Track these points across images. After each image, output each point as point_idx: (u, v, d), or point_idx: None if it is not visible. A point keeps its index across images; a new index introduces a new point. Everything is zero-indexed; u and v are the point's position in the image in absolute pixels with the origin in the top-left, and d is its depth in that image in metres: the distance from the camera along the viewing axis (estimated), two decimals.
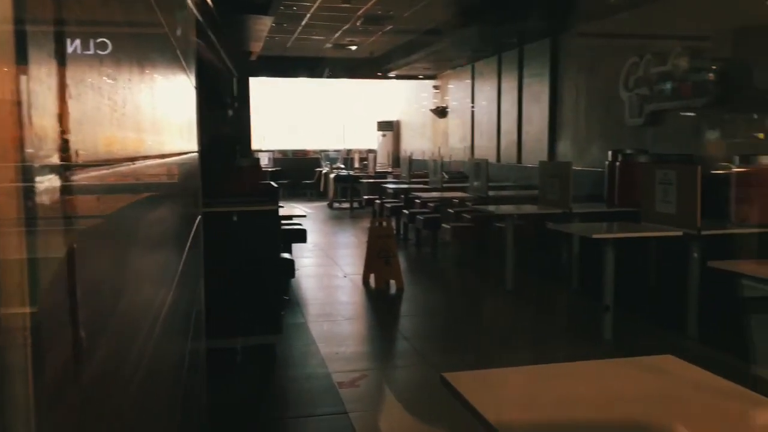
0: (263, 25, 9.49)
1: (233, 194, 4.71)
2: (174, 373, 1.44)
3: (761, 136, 7.09)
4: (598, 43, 8.58)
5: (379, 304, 6.23)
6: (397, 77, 14.71)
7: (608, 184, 6.84)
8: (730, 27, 7.02)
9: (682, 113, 7.23)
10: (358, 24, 10.25)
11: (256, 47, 11.21)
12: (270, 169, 15.82)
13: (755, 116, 7.15)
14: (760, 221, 4.99)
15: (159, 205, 1.30)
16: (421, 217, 8.49)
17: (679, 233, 4.78)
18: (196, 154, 2.50)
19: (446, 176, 10.26)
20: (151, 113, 1.22)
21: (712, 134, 6.89)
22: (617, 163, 6.78)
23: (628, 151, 6.92)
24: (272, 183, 5.28)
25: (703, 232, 4.70)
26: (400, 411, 3.76)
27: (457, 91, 13.18)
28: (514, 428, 1.42)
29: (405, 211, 9.25)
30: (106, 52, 0.70)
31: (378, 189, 11.61)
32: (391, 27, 10.44)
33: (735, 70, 6.97)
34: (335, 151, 18.06)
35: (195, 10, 2.67)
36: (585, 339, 4.89)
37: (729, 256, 4.55)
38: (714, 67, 7.23)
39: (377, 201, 10.84)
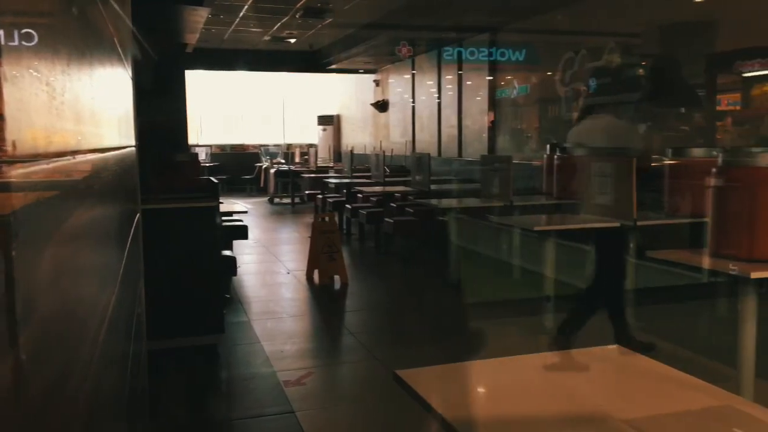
0: (199, 16, 9.24)
1: (171, 190, 4.57)
2: (119, 378, 1.36)
3: (688, 129, 7.39)
4: (536, 38, 8.75)
5: (324, 300, 6.18)
6: (337, 71, 14.62)
7: (546, 177, 6.98)
8: (659, 23, 7.29)
9: (616, 107, 7.44)
10: (296, 17, 10.12)
11: (192, 39, 10.91)
12: (208, 164, 15.48)
13: (682, 110, 7.45)
14: (691, 212, 5.18)
15: (99, 201, 1.22)
16: (364, 212, 8.46)
17: (617, 224, 4.92)
18: (133, 148, 2.39)
19: (388, 171, 10.27)
20: (89, 106, 1.15)
21: (644, 128, 7.12)
22: (555, 157, 6.93)
23: (565, 145, 7.08)
24: (212, 178, 5.15)
25: (639, 223, 4.84)
26: (348, 408, 3.73)
27: (397, 86, 13.21)
28: (470, 424, 1.41)
29: (348, 206, 9.21)
30: (33, 43, 0.64)
31: (319, 184, 11.52)
32: (330, 20, 10.35)
33: (664, 65, 7.23)
34: (275, 145, 17.82)
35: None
36: (528, 330, 4.97)
37: (664, 246, 4.70)
38: (644, 63, 7.50)
39: (319, 196, 10.75)
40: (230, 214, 7.00)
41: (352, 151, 12.32)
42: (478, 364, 1.85)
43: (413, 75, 12.27)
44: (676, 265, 4.55)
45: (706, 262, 3.47)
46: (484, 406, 1.54)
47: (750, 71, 6.15)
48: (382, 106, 13.90)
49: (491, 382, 1.69)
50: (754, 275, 2.87)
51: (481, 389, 1.63)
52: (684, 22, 7.17)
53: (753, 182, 3.27)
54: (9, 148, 0.53)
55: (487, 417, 1.48)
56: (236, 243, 6.95)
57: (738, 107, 6.86)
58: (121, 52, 1.96)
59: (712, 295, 5.11)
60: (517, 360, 1.83)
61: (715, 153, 5.12)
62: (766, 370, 3.26)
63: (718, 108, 6.78)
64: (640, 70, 7.49)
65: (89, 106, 1.14)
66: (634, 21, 7.50)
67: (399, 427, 3.31)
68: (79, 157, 0.92)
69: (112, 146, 1.55)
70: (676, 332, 4.79)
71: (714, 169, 3.38)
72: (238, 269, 6.00)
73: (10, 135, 0.54)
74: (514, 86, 9.14)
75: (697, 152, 5.40)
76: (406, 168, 10.51)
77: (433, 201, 7.00)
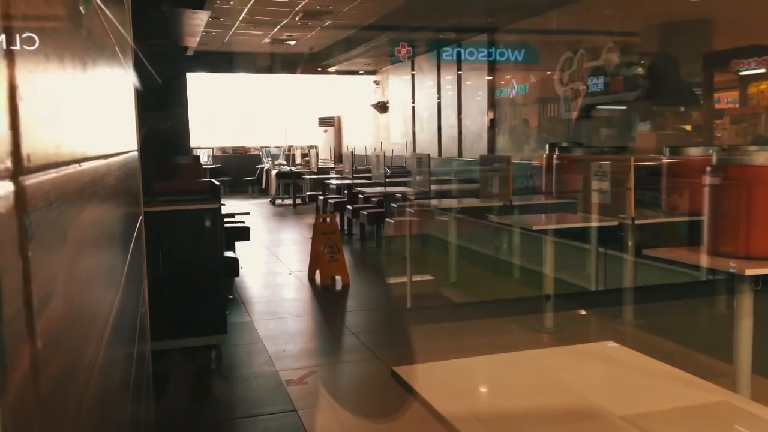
0: (199, 19, 9.29)
1: (173, 193, 4.62)
2: (124, 379, 1.41)
3: (689, 128, 7.43)
4: (534, 38, 8.79)
5: (326, 300, 6.22)
6: (338, 72, 14.67)
7: (546, 176, 7.02)
8: (657, 23, 7.32)
9: (615, 107, 7.49)
10: (296, 19, 10.16)
11: (192, 42, 10.96)
12: (210, 167, 15.53)
13: (682, 109, 7.48)
14: (689, 210, 5.22)
15: (103, 206, 1.27)
16: (365, 212, 8.51)
17: (615, 222, 4.96)
18: (135, 152, 2.44)
19: (389, 171, 10.31)
20: (95, 112, 1.19)
21: (643, 127, 7.16)
22: (554, 156, 6.96)
23: (565, 144, 7.12)
24: (214, 181, 5.19)
25: (637, 221, 4.88)
26: (350, 407, 3.77)
27: (397, 87, 13.25)
28: (468, 419, 1.45)
29: (349, 207, 9.25)
30: (35, 47, 0.67)
31: (321, 185, 11.57)
32: (330, 22, 10.40)
33: (663, 64, 7.27)
34: (276, 147, 17.87)
35: (128, 4, 2.60)
36: (528, 328, 5.01)
37: (661, 243, 4.74)
38: (642, 62, 7.54)
39: (320, 197, 10.80)
40: (232, 215, 7.05)
41: (353, 152, 12.37)
42: (475, 360, 1.89)
43: (413, 76, 12.31)
44: (674, 262, 4.60)
45: (703, 259, 3.49)
46: (481, 402, 1.57)
47: (746, 70, 6.18)
48: (382, 107, 13.95)
49: (488, 378, 1.73)
50: (749, 272, 2.91)
51: (477, 385, 1.67)
52: (681, 21, 7.20)
53: (748, 180, 3.30)
54: (24, 159, 0.57)
55: (484, 413, 1.52)
56: (239, 244, 6.99)
57: (735, 105, 6.90)
58: (121, 55, 2.00)
59: (709, 292, 5.15)
60: (513, 356, 1.87)
61: (711, 151, 5.16)
62: (762, 366, 3.30)
63: (716, 106, 6.81)
64: (639, 69, 7.52)
65: (93, 113, 1.18)
66: (632, 20, 7.53)
67: (401, 426, 3.35)
68: (85, 165, 0.96)
69: (116, 152, 1.60)
70: (674, 329, 4.83)
71: (709, 168, 3.42)
72: (240, 270, 6.05)
73: (24, 147, 0.58)
74: (513, 86, 9.18)
75: (694, 151, 5.43)
76: (407, 168, 10.55)
77: (434, 201, 7.04)
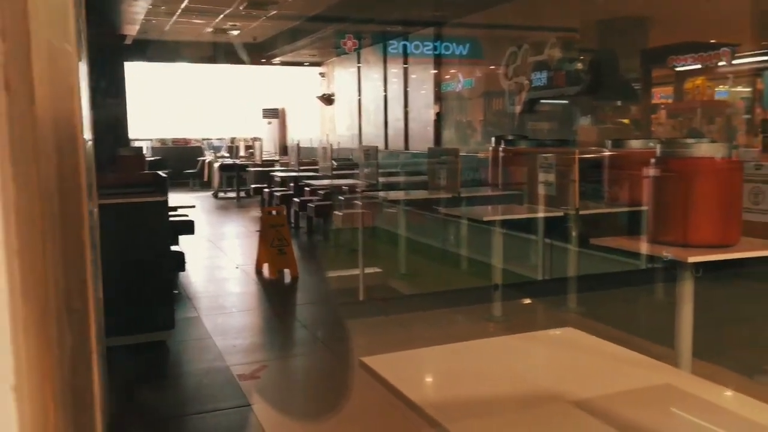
0: (138, 7, 9.01)
1: (115, 185, 4.48)
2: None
3: (627, 122, 7.69)
4: (480, 33, 8.90)
5: (275, 293, 6.16)
6: (282, 64, 14.50)
7: (492, 169, 7.13)
8: (596, 19, 7.53)
9: (558, 101, 7.67)
10: (240, 8, 9.98)
11: (131, 30, 10.63)
12: (149, 159, 15.11)
13: (621, 103, 7.73)
14: (630, 201, 5.40)
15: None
16: (312, 205, 8.46)
17: (561, 213, 5.09)
18: (90, 142, 2.34)
19: (335, 163, 10.26)
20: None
21: (585, 121, 7.36)
22: (500, 149, 7.08)
23: (510, 137, 7.25)
24: (159, 173, 5.06)
25: (581, 212, 5.02)
26: (304, 399, 3.75)
27: (343, 79, 13.20)
28: (440, 407, 1.46)
29: (296, 199, 9.17)
30: None
31: (266, 177, 11.42)
32: (275, 12, 10.26)
33: (603, 60, 7.48)
34: (219, 139, 17.54)
35: None
36: (478, 317, 5.09)
37: (604, 233, 4.89)
38: (582, 58, 7.74)
39: (265, 190, 10.67)
40: (175, 209, 6.88)
41: (298, 144, 12.26)
42: (439, 348, 1.90)
43: (359, 68, 12.29)
44: (617, 252, 4.75)
45: (646, 248, 3.61)
46: (450, 390, 1.59)
47: (683, 66, 6.44)
48: (328, 99, 13.87)
49: (454, 365, 1.75)
50: (692, 260, 3.02)
51: (445, 373, 1.69)
52: (620, 18, 7.43)
53: (688, 171, 3.43)
54: None
55: (455, 400, 1.54)
56: (182, 238, 6.84)
57: (668, 101, 7.18)
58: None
59: (648, 280, 5.35)
60: (478, 344, 1.89)
61: (651, 144, 5.35)
62: (701, 350, 3.45)
63: (654, 101, 7.07)
64: (579, 65, 7.73)
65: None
66: (573, 17, 7.72)
67: (354, 417, 3.35)
68: None
69: None
70: (617, 316, 5.00)
71: (653, 160, 3.54)
72: (186, 265, 5.92)
73: None
74: (459, 80, 9.28)
75: (635, 144, 5.62)
76: (354, 161, 10.54)
77: (382, 193, 7.06)
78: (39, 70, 0.51)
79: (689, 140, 3.75)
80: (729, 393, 1.64)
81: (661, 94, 7.92)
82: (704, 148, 3.45)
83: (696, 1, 6.40)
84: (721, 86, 8.41)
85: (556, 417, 1.48)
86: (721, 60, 6.48)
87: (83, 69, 2.38)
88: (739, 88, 8.56)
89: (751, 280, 4.91)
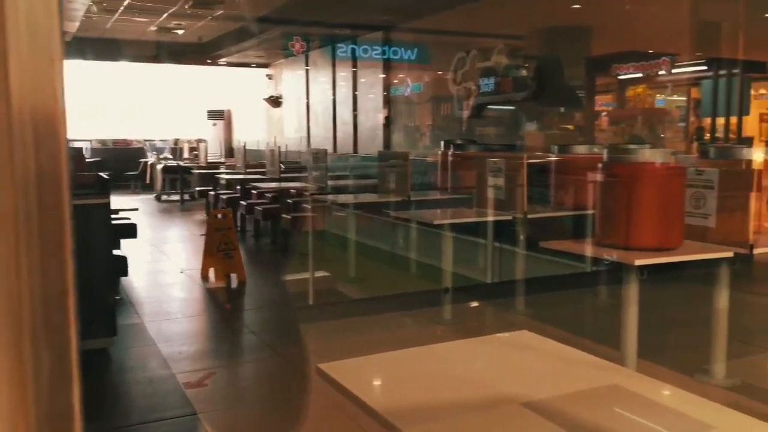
0: (77, 3, 8.71)
1: None
2: None
3: (572, 127, 7.87)
4: (428, 38, 8.97)
5: (222, 298, 6.03)
6: (228, 65, 14.27)
7: (441, 173, 7.18)
8: (541, 27, 7.69)
9: (505, 107, 7.79)
10: (186, 7, 9.77)
11: (70, 27, 10.27)
12: (89, 160, 14.62)
13: (566, 110, 7.92)
14: (575, 205, 5.52)
15: None
16: (260, 208, 8.33)
17: (509, 217, 5.15)
18: None
19: (283, 166, 10.15)
20: None
21: (531, 126, 7.50)
22: (449, 153, 7.14)
23: (459, 142, 7.32)
24: (102, 174, 4.89)
25: (529, 216, 5.10)
26: (253, 407, 3.67)
27: (291, 81, 13.09)
28: (397, 412, 1.44)
29: (242, 203, 9.02)
30: None
31: (211, 180, 11.20)
32: (221, 12, 10.09)
33: (548, 67, 7.64)
34: (162, 140, 17.11)
35: None
36: (428, 320, 5.10)
37: (550, 237, 4.98)
38: (527, 65, 7.90)
39: (211, 192, 10.45)
40: (116, 211, 6.67)
41: (245, 146, 12.08)
42: (395, 354, 1.89)
43: (307, 71, 12.21)
44: (564, 255, 4.84)
45: (592, 251, 3.69)
46: (409, 395, 1.57)
47: (625, 74, 6.64)
48: (275, 101, 13.73)
49: (411, 371, 1.74)
50: (638, 262, 3.10)
51: (403, 379, 1.67)
52: (564, 26, 7.61)
53: (632, 176, 3.52)
54: None
55: (415, 406, 1.52)
56: (124, 242, 6.63)
57: (609, 108, 7.39)
58: None
59: (593, 282, 5.48)
60: (435, 348, 1.88)
61: (596, 150, 5.49)
62: (646, 351, 3.55)
63: (597, 108, 7.27)
64: (523, 72, 7.87)
65: None
66: (519, 24, 7.86)
67: (305, 424, 3.30)
68: None
69: None
70: (563, 318, 5.09)
71: (599, 165, 3.62)
72: (128, 269, 5.73)
73: None
74: (408, 84, 9.32)
75: (580, 149, 5.76)
76: (302, 164, 10.45)
77: (331, 197, 7.01)
78: (16, 65, 0.46)
79: (632, 146, 3.85)
80: (672, 392, 1.68)
81: (602, 102, 8.14)
82: (647, 154, 3.54)
83: (638, 12, 6.61)
84: (659, 95, 8.73)
85: (508, 419, 1.50)
86: (661, 69, 6.72)
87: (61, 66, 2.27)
88: (675, 97, 8.90)
89: (693, 283, 5.09)
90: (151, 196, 14.11)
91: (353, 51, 10.33)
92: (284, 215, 7.73)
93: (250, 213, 8.71)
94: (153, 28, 11.51)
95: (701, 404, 1.55)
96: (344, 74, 10.73)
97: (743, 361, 3.96)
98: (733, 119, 7.90)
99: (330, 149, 10.77)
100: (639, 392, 1.66)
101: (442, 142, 7.36)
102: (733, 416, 1.50)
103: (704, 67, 7.44)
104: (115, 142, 17.20)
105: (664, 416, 1.51)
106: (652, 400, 1.62)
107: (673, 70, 6.86)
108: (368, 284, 6.42)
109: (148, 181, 15.03)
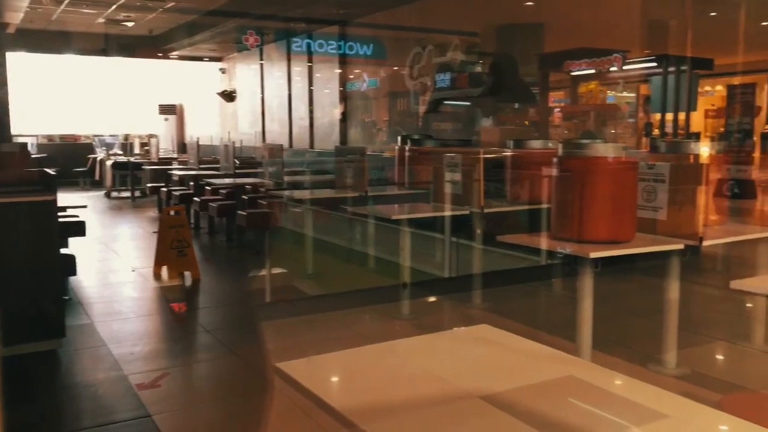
0: None
1: None
2: None
3: (527, 123, 7.96)
4: (384, 33, 8.95)
5: (175, 297, 5.90)
6: (180, 58, 13.97)
7: (398, 168, 7.17)
8: (495, 24, 7.75)
9: (461, 102, 7.83)
10: None
11: (14, 18, 9.89)
12: (35, 156, 14.14)
13: (521, 106, 8.00)
14: (530, 199, 5.59)
15: None
16: (214, 205, 8.19)
17: (466, 212, 5.18)
18: None
19: (238, 162, 10.00)
20: None
21: (486, 122, 7.56)
22: (406, 149, 7.14)
23: (416, 137, 7.32)
24: (47, 170, 4.72)
25: (486, 210, 5.14)
26: (208, 407, 3.60)
27: (245, 75, 12.90)
28: (356, 409, 1.42)
29: (196, 199, 8.85)
30: None
31: (163, 176, 10.96)
32: (172, 4, 9.85)
33: (503, 63, 7.71)
34: (111, 135, 16.65)
35: None
36: (387, 316, 5.09)
37: (506, 231, 5.03)
38: (482, 61, 7.95)
39: (163, 189, 10.23)
40: (64, 209, 6.46)
41: (198, 141, 11.85)
42: (354, 351, 1.86)
43: (261, 65, 12.05)
44: (520, 248, 4.90)
45: (547, 244, 3.73)
46: (369, 393, 1.55)
47: (577, 70, 6.76)
48: (229, 95, 13.51)
49: (371, 368, 1.72)
50: (594, 255, 3.14)
51: (362, 376, 1.65)
52: (518, 24, 7.69)
53: (586, 171, 3.57)
54: None
55: (374, 404, 1.50)
56: (73, 241, 6.43)
57: (561, 105, 7.51)
58: None
59: (548, 275, 5.56)
60: (394, 344, 1.87)
61: (550, 145, 5.56)
62: (601, 342, 3.61)
63: (551, 104, 7.38)
64: (478, 68, 7.93)
65: None
66: (474, 20, 7.91)
67: (262, 423, 3.25)
68: None
69: None
70: (520, 311, 5.15)
71: (555, 159, 3.65)
72: (77, 268, 5.55)
73: None
74: (364, 79, 9.29)
75: (535, 144, 5.82)
76: (257, 159, 10.31)
77: (287, 192, 6.94)
78: None
79: (585, 141, 3.91)
80: (625, 381, 1.72)
81: (556, 99, 8.27)
82: (600, 149, 3.59)
83: (591, 9, 6.72)
84: (611, 92, 8.91)
85: (467, 412, 1.50)
86: (612, 65, 6.86)
87: None
88: (626, 93, 9.10)
89: (645, 274, 5.21)
90: (101, 193, 13.76)
91: (309, 45, 10.23)
92: (239, 212, 7.61)
93: (204, 210, 8.55)
94: (101, 20, 11.18)
95: (653, 393, 1.58)
96: (300, 69, 10.62)
97: (693, 351, 4.07)
98: (682, 115, 8.14)
99: (286, 145, 10.66)
100: (593, 382, 1.69)
101: (399, 138, 7.36)
102: (683, 404, 1.54)
103: (654, 64, 7.65)
104: (63, 137, 16.70)
105: (617, 405, 1.55)
106: (606, 390, 1.65)
107: (624, 67, 7.02)
108: (326, 281, 6.38)
109: (97, 178, 14.65)
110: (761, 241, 4.01)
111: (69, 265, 5.25)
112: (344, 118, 9.60)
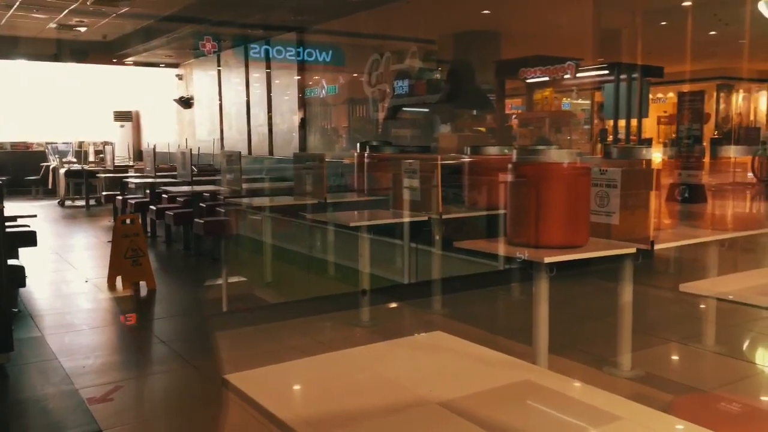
0: None
1: None
2: None
3: (483, 129, 8.04)
4: (342, 40, 8.95)
5: (130, 308, 5.76)
6: (135, 64, 13.72)
7: (357, 174, 7.16)
8: (452, 32, 7.83)
9: (419, 109, 7.87)
10: (88, 3, 9.31)
11: None
12: None
13: (478, 113, 8.08)
14: (487, 205, 5.63)
15: None
16: (171, 213, 8.05)
17: (425, 218, 5.20)
18: None
19: (195, 169, 9.86)
20: None
21: (444, 128, 7.61)
22: (365, 155, 7.13)
23: (374, 143, 7.31)
24: None
25: (444, 216, 5.16)
26: (162, 420, 3.52)
27: (202, 82, 12.74)
28: (308, 421, 1.39)
29: (152, 207, 8.68)
30: None
31: (118, 184, 10.73)
32: (126, 9, 9.67)
33: (460, 71, 7.79)
34: (65, 143, 16.24)
35: None
36: (346, 323, 5.06)
37: (465, 237, 5.06)
38: (440, 69, 8.01)
39: (118, 197, 10.01)
40: (14, 218, 6.27)
41: (154, 148, 11.65)
42: (308, 361, 1.84)
43: (219, 71, 11.92)
44: (478, 254, 4.93)
45: (504, 249, 3.75)
46: (321, 404, 1.53)
47: (533, 78, 6.87)
48: (186, 102, 13.32)
49: (324, 377, 1.70)
50: (548, 260, 3.18)
51: (315, 386, 1.63)
52: (474, 31, 7.77)
53: (539, 177, 3.60)
54: None
55: (326, 415, 1.48)
56: (23, 251, 6.23)
57: (518, 111, 7.62)
58: None
59: (506, 280, 5.61)
60: (347, 354, 1.85)
61: (506, 151, 5.63)
62: (557, 346, 3.65)
63: (507, 110, 7.47)
64: (437, 75, 7.99)
65: None
66: (431, 28, 7.98)
67: None
68: None
69: None
70: (478, 316, 5.19)
71: (510, 165, 3.69)
72: (27, 280, 5.38)
73: None
74: (323, 86, 9.26)
75: (491, 150, 5.88)
76: (215, 166, 10.18)
77: (245, 200, 6.86)
78: None
79: (539, 147, 3.96)
80: (580, 385, 1.73)
81: (512, 105, 8.38)
82: (554, 155, 3.64)
83: (545, 18, 6.84)
84: (565, 99, 9.08)
85: (423, 419, 1.50)
86: (566, 73, 6.98)
87: None
88: (580, 100, 9.29)
89: (599, 278, 5.30)
90: (54, 202, 13.41)
91: (267, 52, 10.16)
92: (197, 220, 7.49)
93: (161, 218, 8.40)
94: (53, 26, 10.90)
95: (607, 397, 1.60)
96: (258, 75, 10.54)
97: (647, 353, 4.15)
98: (634, 121, 8.34)
99: (245, 152, 10.55)
100: (549, 387, 1.70)
101: (358, 144, 7.35)
102: (635, 408, 1.56)
103: (606, 72, 7.83)
104: (14, 145, 16.24)
105: (573, 408, 1.56)
106: (562, 394, 1.66)
107: (578, 75, 7.16)
108: (285, 288, 6.32)
109: (50, 186, 14.29)
110: (711, 244, 4.12)
111: (18, 276, 5.08)
112: (303, 125, 9.56)
